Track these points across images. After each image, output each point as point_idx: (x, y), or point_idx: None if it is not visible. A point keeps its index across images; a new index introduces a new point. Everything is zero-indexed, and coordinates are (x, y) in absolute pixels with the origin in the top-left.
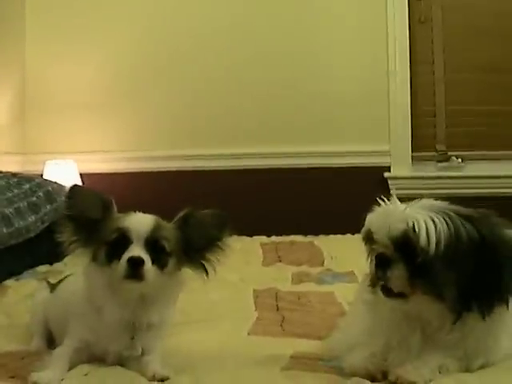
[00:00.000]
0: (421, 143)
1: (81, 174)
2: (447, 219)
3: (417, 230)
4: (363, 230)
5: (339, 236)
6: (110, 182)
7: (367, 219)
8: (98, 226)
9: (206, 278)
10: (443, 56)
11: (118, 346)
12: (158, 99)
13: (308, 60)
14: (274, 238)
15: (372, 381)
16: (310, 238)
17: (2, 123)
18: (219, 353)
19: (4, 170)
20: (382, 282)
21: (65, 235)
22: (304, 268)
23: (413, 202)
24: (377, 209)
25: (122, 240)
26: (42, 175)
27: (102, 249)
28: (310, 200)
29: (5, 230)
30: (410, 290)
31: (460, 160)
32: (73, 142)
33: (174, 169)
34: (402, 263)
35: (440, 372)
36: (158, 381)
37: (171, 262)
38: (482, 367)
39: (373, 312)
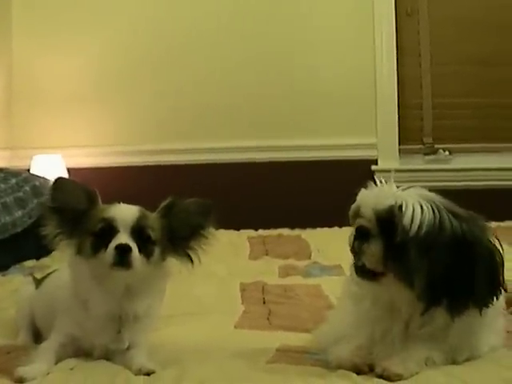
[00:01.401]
0: (408, 136)
1: (68, 169)
2: (435, 209)
3: (403, 208)
4: (353, 205)
5: (326, 229)
6: (97, 177)
7: (359, 195)
8: (83, 217)
9: (191, 267)
10: (430, 48)
11: (104, 339)
12: (146, 93)
13: (294, 54)
14: (261, 232)
15: (358, 373)
16: (297, 232)
17: None
18: (206, 346)
19: None
20: (355, 262)
21: (49, 228)
22: (291, 261)
23: (407, 187)
24: (371, 186)
25: (108, 229)
26: (29, 170)
27: (88, 240)
28: (297, 193)
29: None
30: (383, 269)
31: (447, 153)
32: (60, 136)
33: (162, 163)
34: (380, 239)
35: (426, 364)
36: (144, 374)
37: (157, 251)
38: (467, 360)
39: (358, 305)
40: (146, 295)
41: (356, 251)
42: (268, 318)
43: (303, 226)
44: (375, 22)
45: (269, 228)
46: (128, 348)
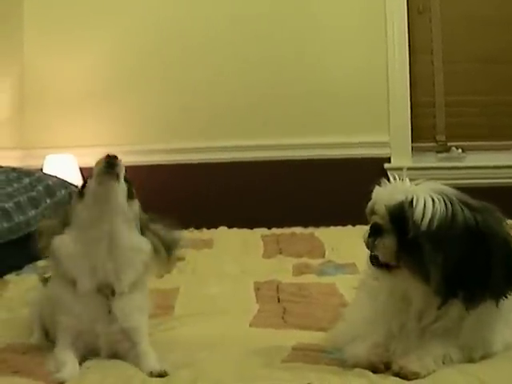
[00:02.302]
0: (420, 134)
1: (80, 168)
2: (448, 202)
3: (414, 203)
4: (369, 203)
5: (340, 227)
6: None
7: (374, 191)
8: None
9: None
10: (442, 46)
11: (96, 319)
12: (158, 92)
13: (307, 52)
14: (274, 230)
15: (374, 372)
16: (310, 230)
17: (1, 118)
18: (220, 345)
19: (4, 164)
20: (372, 253)
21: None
22: (305, 260)
23: (420, 181)
24: (384, 183)
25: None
26: (41, 170)
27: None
28: (310, 192)
29: (5, 225)
30: (396, 263)
31: (460, 150)
32: (72, 136)
33: (174, 162)
34: (393, 235)
35: (443, 362)
36: (157, 376)
37: (136, 203)
38: (483, 358)
39: (375, 299)
40: (129, 267)
41: (370, 247)
42: (283, 317)
43: (316, 225)
44: (387, 20)
45: (282, 226)
46: (128, 335)
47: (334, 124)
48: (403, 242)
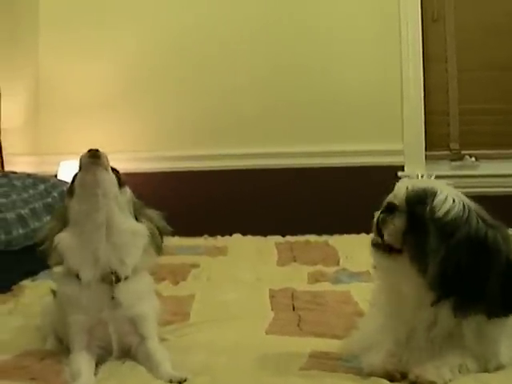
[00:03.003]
0: (434, 142)
1: None
2: (466, 208)
3: (437, 192)
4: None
5: (353, 235)
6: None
7: (399, 182)
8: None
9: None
10: (456, 54)
11: (102, 308)
12: (173, 99)
13: (321, 60)
14: (288, 238)
15: (391, 381)
16: (324, 238)
17: (16, 124)
18: (237, 352)
19: (19, 170)
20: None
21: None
22: (319, 267)
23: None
24: (412, 177)
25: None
26: (56, 176)
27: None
28: (324, 199)
29: (21, 231)
30: (400, 246)
31: (474, 159)
32: (87, 142)
33: (189, 169)
34: (405, 216)
35: (460, 372)
36: (177, 383)
37: (127, 190)
38: (498, 368)
39: (383, 308)
40: (131, 250)
41: (379, 224)
42: (298, 325)
43: (330, 233)
44: (401, 28)
45: (296, 234)
46: (140, 336)
47: (348, 132)
48: (413, 225)
